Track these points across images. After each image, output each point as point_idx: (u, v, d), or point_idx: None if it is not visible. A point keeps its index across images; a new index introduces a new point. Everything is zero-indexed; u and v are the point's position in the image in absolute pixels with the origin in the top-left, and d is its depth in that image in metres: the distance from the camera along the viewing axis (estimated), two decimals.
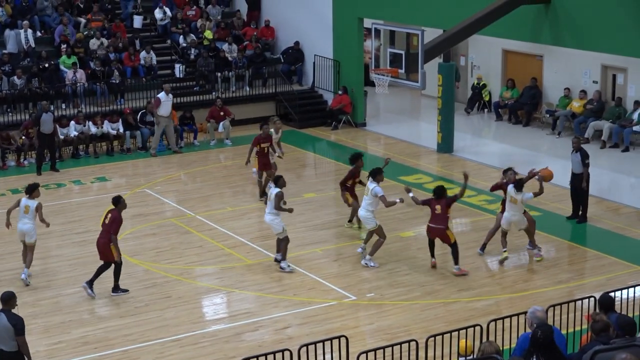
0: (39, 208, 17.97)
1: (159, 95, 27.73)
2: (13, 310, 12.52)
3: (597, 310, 11.98)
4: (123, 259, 17.76)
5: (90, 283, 17.37)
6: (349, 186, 20.90)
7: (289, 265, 18.56)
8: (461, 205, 22.49)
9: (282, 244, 18.59)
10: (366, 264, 18.83)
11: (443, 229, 18.20)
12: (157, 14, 33.00)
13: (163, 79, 30.79)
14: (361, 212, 19.10)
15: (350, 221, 21.24)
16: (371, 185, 18.73)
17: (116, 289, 17.52)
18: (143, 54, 30.97)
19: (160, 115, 27.36)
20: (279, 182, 18.60)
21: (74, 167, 26.47)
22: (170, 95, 27.68)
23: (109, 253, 17.24)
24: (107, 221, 17.43)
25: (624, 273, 18.09)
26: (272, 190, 18.53)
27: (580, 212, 21.10)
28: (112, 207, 17.62)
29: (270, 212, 18.45)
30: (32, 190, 18.10)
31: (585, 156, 20.51)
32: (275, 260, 18.79)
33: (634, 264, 18.52)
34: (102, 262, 17.44)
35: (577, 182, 20.83)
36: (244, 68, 31.62)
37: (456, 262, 18.26)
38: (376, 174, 18.87)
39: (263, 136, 22.86)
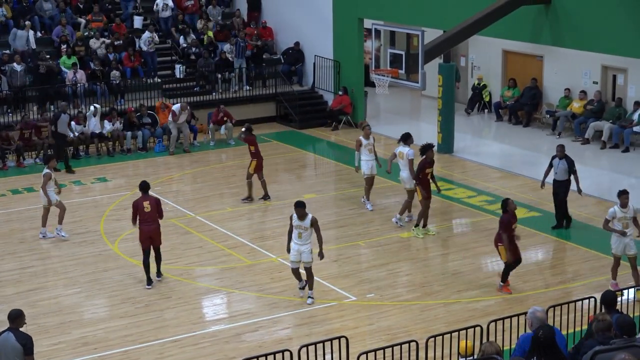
0: (44, 176, 20.29)
1: (173, 108, 27.74)
2: (21, 329, 11.95)
3: (600, 306, 12.00)
4: (124, 260, 17.78)
5: (158, 274, 18.19)
6: (421, 178, 20.37)
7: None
8: (461, 206, 22.51)
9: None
10: (396, 222, 21.01)
11: (495, 244, 17.59)
12: (159, 1, 32.94)
13: (163, 79, 30.81)
14: (402, 174, 21.01)
15: (417, 225, 20.59)
16: (404, 149, 20.85)
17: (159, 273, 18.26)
18: (146, 34, 30.97)
19: (174, 121, 27.51)
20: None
21: (74, 167, 26.43)
22: (188, 110, 27.88)
23: (158, 238, 18.02)
24: (148, 209, 17.75)
25: (624, 273, 18.05)
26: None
27: (565, 219, 20.95)
28: (141, 194, 18.10)
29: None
30: (47, 160, 20.90)
31: (572, 164, 20.39)
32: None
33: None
34: (152, 251, 18.03)
35: (560, 189, 20.63)
36: (243, 59, 31.64)
37: (502, 280, 17.51)
38: (407, 138, 20.97)
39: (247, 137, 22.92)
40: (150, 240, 17.87)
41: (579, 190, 20.55)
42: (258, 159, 22.66)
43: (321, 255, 16.86)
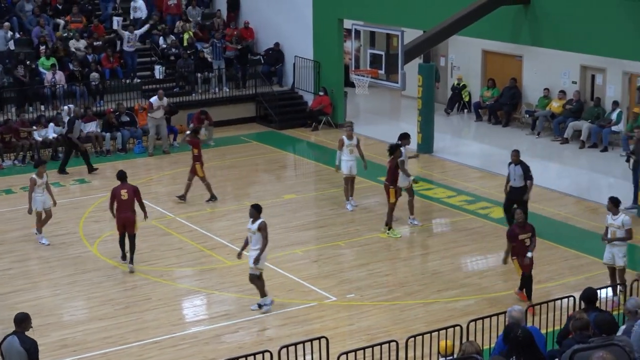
0: (30, 181, 20.10)
1: (151, 100, 27.73)
2: (27, 333, 11.73)
3: (579, 305, 12.07)
4: (103, 262, 17.73)
5: (130, 261, 18.62)
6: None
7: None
8: (441, 206, 22.55)
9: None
10: (411, 223, 21.09)
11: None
12: (132, 3, 32.89)
13: (142, 80, 30.72)
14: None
15: (389, 227, 20.71)
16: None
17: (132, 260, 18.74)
18: (127, 33, 30.90)
19: (152, 116, 27.44)
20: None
21: (53, 169, 26.31)
22: (165, 100, 27.73)
23: (132, 226, 18.49)
24: (125, 197, 18.37)
25: (603, 272, 18.13)
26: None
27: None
28: (120, 182, 18.81)
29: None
30: (37, 165, 20.46)
31: (527, 169, 19.82)
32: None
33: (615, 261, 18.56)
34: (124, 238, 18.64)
35: (515, 195, 19.92)
36: (222, 60, 31.60)
37: (520, 288, 17.00)
38: (403, 138, 21.12)
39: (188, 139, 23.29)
40: (124, 227, 18.50)
41: (527, 197, 19.89)
42: (200, 162, 22.69)
43: (256, 260, 16.32)
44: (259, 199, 23.12)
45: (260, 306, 16.74)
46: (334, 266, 19.01)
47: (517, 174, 19.81)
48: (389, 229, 20.56)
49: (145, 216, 19.14)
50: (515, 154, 20.01)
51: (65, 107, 27.76)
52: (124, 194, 18.40)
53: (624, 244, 16.65)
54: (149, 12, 33.19)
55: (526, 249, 16.59)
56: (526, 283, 16.78)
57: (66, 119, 27.29)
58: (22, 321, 11.73)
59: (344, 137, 22.22)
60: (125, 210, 18.41)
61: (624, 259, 16.63)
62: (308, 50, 31.53)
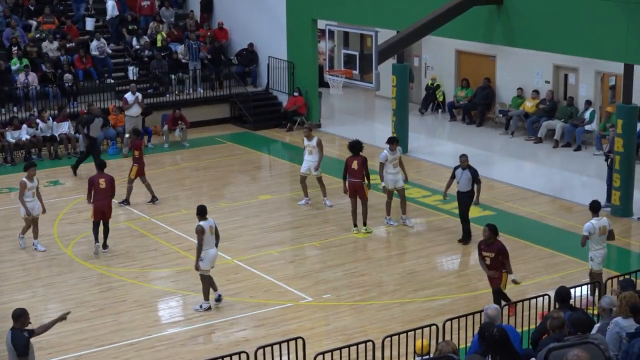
0: (20, 185, 19.57)
1: (125, 96, 27.71)
2: (29, 327, 12.10)
3: (554, 303, 12.15)
4: (78, 264, 17.66)
5: (104, 246, 19.64)
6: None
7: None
8: (416, 206, 22.61)
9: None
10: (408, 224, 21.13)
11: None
12: (108, 3, 32.75)
13: (116, 81, 30.60)
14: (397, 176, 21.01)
15: (365, 224, 20.94)
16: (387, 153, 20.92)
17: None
18: (94, 43, 30.75)
19: (129, 115, 27.36)
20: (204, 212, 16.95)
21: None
22: (138, 95, 27.64)
23: (109, 212, 19.64)
24: (103, 186, 19.42)
25: (578, 271, 18.27)
26: (212, 221, 16.96)
27: (464, 232, 20.14)
28: (97, 172, 19.99)
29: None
30: (27, 168, 19.65)
31: (476, 173, 19.68)
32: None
33: (588, 262, 18.67)
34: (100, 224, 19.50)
35: (463, 200, 19.88)
36: (198, 61, 31.53)
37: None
38: (391, 142, 21.10)
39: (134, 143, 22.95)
40: (102, 214, 19.47)
41: (477, 202, 20.03)
42: (140, 164, 22.67)
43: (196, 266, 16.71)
44: (235, 199, 23.19)
45: (201, 306, 16.85)
46: (310, 267, 19.02)
47: (464, 179, 19.66)
48: (364, 224, 20.84)
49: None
50: (464, 158, 19.87)
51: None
52: (102, 183, 19.45)
53: (593, 249, 16.66)
54: (121, 12, 33.04)
55: (486, 267, 16.00)
56: (496, 298, 16.07)
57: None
58: (19, 317, 12.04)
59: (305, 138, 22.50)
60: (104, 198, 19.48)
61: (592, 262, 16.74)
62: (282, 50, 31.51)
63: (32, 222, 19.72)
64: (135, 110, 27.63)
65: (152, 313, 17.03)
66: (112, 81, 30.55)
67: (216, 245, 16.94)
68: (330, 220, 21.77)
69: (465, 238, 20.03)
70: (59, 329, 16.09)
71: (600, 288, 15.57)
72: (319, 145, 22.48)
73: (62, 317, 12.81)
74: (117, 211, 22.45)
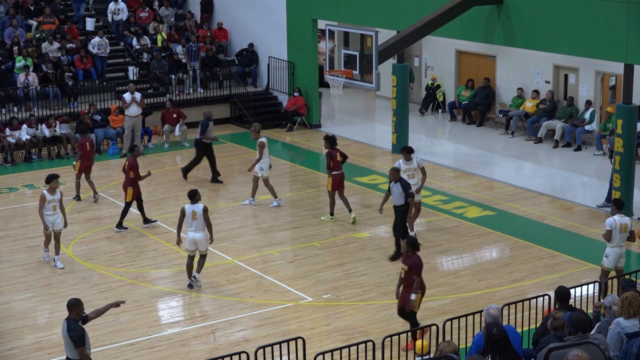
0: (40, 198, 18.85)
1: (124, 95, 27.71)
2: (83, 315, 12.50)
3: (554, 304, 12.15)
4: (78, 264, 17.65)
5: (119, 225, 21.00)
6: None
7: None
8: None
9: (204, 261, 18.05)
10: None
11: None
12: (112, 6, 32.74)
13: (116, 81, 30.59)
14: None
15: (331, 214, 21.58)
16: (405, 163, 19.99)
17: (119, 225, 21.08)
18: (96, 39, 30.73)
19: (128, 115, 27.37)
20: (197, 197, 17.76)
21: (27, 170, 26.23)
22: (137, 94, 27.63)
23: (90, 170, 22.61)
24: (88, 148, 22.66)
25: (578, 271, 18.28)
26: (197, 207, 17.62)
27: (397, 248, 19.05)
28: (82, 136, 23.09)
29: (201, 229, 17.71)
30: (49, 180, 18.80)
31: (407, 186, 18.78)
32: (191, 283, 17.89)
33: (587, 262, 18.70)
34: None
35: (397, 214, 18.93)
36: (200, 68, 31.50)
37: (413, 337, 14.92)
38: (408, 151, 20.06)
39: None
40: (85, 171, 22.75)
41: (411, 215, 19.37)
42: (83, 161, 22.92)
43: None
44: (235, 199, 23.20)
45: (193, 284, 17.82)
46: (310, 267, 19.01)
47: (395, 192, 18.81)
48: (331, 214, 21.44)
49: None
50: (394, 172, 19.04)
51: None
52: (88, 146, 22.82)
53: (610, 245, 16.51)
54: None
55: (400, 280, 15.12)
56: (406, 318, 15.21)
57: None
58: (73, 307, 12.32)
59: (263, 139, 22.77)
60: (88, 159, 22.89)
61: (605, 259, 16.62)
62: (282, 50, 31.52)
63: (51, 237, 18.85)
64: (134, 110, 27.61)
65: (152, 313, 17.02)
66: (105, 83, 30.34)
67: (210, 232, 17.74)
68: (330, 220, 21.76)
69: (398, 255, 18.65)
70: (59, 328, 16.11)
71: (600, 287, 15.57)
72: (261, 146, 22.44)
73: (116, 304, 13.13)
74: (117, 211, 22.48)
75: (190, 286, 17.70)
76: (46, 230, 18.72)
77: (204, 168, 24.97)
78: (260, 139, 22.55)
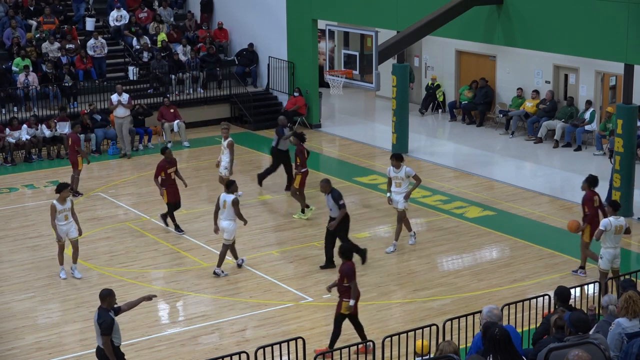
0: (50, 208, 18.23)
1: (111, 97, 27.69)
2: (115, 306, 12.90)
3: (555, 303, 12.15)
4: (78, 264, 17.73)
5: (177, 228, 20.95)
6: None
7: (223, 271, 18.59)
8: (416, 206, 22.59)
9: (228, 249, 18.68)
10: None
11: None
12: (114, 13, 32.75)
13: (116, 81, 30.57)
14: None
15: (302, 211, 21.93)
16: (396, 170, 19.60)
17: (177, 228, 21.01)
18: (91, 41, 30.70)
19: (116, 116, 27.35)
20: (232, 187, 18.52)
21: (27, 170, 26.23)
22: (125, 96, 27.55)
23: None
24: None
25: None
26: (228, 197, 18.42)
27: (329, 260, 18.79)
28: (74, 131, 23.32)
29: (229, 219, 18.42)
30: (60, 189, 18.18)
31: (338, 197, 18.30)
32: (239, 265, 18.85)
33: (587, 262, 18.68)
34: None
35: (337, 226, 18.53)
36: (197, 69, 31.51)
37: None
38: (397, 158, 19.66)
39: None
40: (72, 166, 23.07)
41: (331, 226, 18.51)
42: (72, 155, 23.33)
43: None
44: None
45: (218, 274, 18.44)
46: (310, 267, 19.00)
47: (330, 204, 18.48)
48: (302, 211, 21.78)
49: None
50: (325, 183, 18.52)
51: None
52: (70, 141, 23.30)
53: (604, 246, 16.62)
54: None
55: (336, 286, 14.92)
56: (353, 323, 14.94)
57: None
58: (105, 297, 12.76)
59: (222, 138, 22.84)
60: (71, 154, 23.29)
61: (600, 260, 16.73)
62: (282, 50, 31.52)
63: (64, 247, 18.29)
64: (122, 112, 27.47)
65: (152, 313, 17.01)
66: (105, 83, 30.30)
67: (242, 220, 18.57)
68: (303, 217, 21.76)
69: (328, 263, 18.65)
70: (59, 328, 16.17)
71: (601, 287, 15.57)
72: (230, 146, 22.46)
73: (149, 297, 13.51)
74: (117, 211, 22.52)
75: (239, 266, 18.80)
76: (59, 241, 18.14)
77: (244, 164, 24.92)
78: (229, 139, 22.60)
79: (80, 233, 18.48)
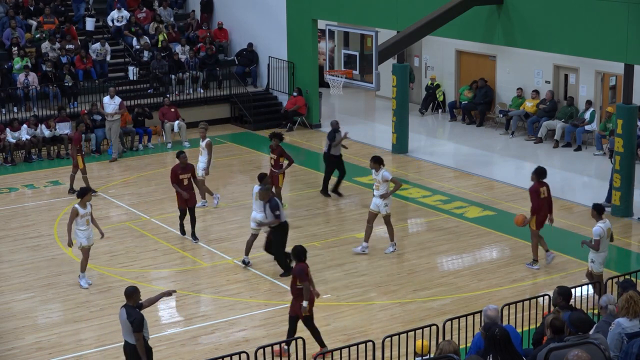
0: (71, 212, 17.73)
1: (103, 99, 27.65)
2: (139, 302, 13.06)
3: (554, 304, 12.14)
4: (78, 264, 17.67)
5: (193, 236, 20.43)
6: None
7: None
8: (416, 206, 22.60)
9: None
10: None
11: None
12: (114, 14, 32.74)
13: (116, 81, 30.57)
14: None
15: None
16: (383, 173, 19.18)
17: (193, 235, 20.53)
18: (97, 45, 30.68)
19: (107, 118, 27.32)
20: (265, 179, 18.93)
21: (27, 170, 26.23)
22: (117, 99, 27.44)
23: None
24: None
25: (578, 271, 18.26)
26: (255, 188, 18.83)
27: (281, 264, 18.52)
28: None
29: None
30: (82, 194, 17.72)
31: (274, 207, 18.01)
32: (244, 262, 18.97)
33: (588, 262, 18.67)
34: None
35: (275, 234, 18.38)
36: (196, 70, 31.51)
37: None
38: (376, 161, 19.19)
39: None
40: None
41: (279, 215, 18.20)
42: (74, 155, 23.25)
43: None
44: (234, 200, 23.18)
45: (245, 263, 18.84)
46: (310, 267, 18.93)
47: (268, 213, 18.14)
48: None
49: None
50: (263, 192, 18.30)
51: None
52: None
53: (595, 252, 16.56)
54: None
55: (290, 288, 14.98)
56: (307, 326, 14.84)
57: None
58: (131, 294, 12.99)
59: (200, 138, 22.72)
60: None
61: (592, 264, 16.58)
62: (282, 50, 31.52)
63: (87, 252, 17.91)
64: (111, 113, 27.38)
65: (152, 313, 16.95)
66: (105, 83, 30.25)
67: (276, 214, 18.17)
68: (330, 220, 21.77)
69: (287, 270, 18.14)
70: (59, 328, 16.17)
71: (601, 288, 15.56)
72: (208, 146, 22.41)
73: (169, 293, 13.70)
74: (117, 211, 22.51)
75: (244, 262, 18.89)
76: (81, 245, 17.79)
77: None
78: (207, 139, 22.54)
79: (102, 236, 18.18)
